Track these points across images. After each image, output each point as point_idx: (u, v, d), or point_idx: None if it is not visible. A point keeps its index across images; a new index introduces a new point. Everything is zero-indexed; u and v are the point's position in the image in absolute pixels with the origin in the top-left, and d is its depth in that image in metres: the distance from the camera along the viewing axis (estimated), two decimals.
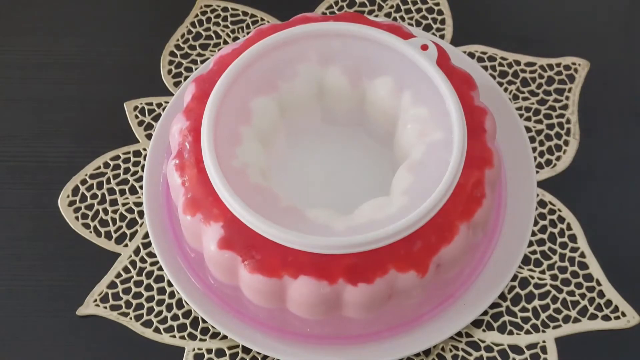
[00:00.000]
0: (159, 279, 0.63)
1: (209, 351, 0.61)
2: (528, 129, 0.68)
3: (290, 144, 0.64)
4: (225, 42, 0.72)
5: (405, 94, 0.60)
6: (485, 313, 0.61)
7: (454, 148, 0.56)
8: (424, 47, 0.60)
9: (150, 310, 0.62)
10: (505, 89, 0.70)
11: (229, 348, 0.61)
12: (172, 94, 0.70)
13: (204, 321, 0.61)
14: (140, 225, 0.65)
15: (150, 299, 0.62)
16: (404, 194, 0.56)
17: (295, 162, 0.64)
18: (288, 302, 0.56)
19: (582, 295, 0.62)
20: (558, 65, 0.71)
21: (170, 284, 0.63)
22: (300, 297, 0.55)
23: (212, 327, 0.61)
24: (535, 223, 0.64)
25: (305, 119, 0.63)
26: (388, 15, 0.73)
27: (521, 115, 0.69)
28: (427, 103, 0.58)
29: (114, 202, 0.66)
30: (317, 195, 0.62)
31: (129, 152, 0.68)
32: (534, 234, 0.64)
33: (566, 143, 0.68)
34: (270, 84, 0.60)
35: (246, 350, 0.60)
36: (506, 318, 0.62)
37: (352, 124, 0.64)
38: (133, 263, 0.64)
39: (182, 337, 0.61)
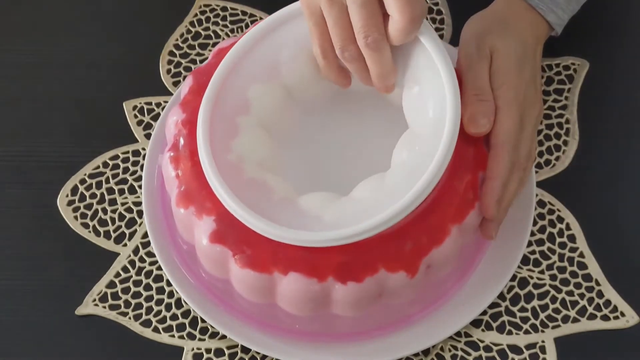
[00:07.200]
0: (158, 278, 0.63)
1: (208, 351, 0.61)
2: None
3: (301, 124, 0.62)
4: None
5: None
6: (484, 313, 0.61)
7: (447, 123, 0.54)
8: None
9: (149, 310, 0.62)
10: None
11: (228, 348, 0.61)
12: (171, 94, 0.70)
13: (203, 321, 0.61)
14: (139, 225, 0.65)
15: (149, 298, 0.62)
16: (401, 168, 0.55)
17: (305, 141, 0.63)
18: (278, 298, 0.56)
19: (581, 295, 0.62)
20: (557, 65, 0.71)
21: (169, 284, 0.63)
22: (290, 294, 0.55)
23: (211, 326, 0.61)
24: (535, 223, 0.64)
25: (315, 96, 0.61)
26: None
27: None
28: (420, 82, 0.56)
29: (113, 202, 0.66)
30: (324, 174, 0.61)
31: (128, 152, 0.68)
32: (533, 234, 0.64)
33: (565, 143, 0.68)
34: (270, 69, 0.59)
35: (245, 350, 0.60)
36: (505, 318, 0.62)
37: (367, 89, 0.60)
38: (132, 263, 0.64)
39: (181, 337, 0.61)
